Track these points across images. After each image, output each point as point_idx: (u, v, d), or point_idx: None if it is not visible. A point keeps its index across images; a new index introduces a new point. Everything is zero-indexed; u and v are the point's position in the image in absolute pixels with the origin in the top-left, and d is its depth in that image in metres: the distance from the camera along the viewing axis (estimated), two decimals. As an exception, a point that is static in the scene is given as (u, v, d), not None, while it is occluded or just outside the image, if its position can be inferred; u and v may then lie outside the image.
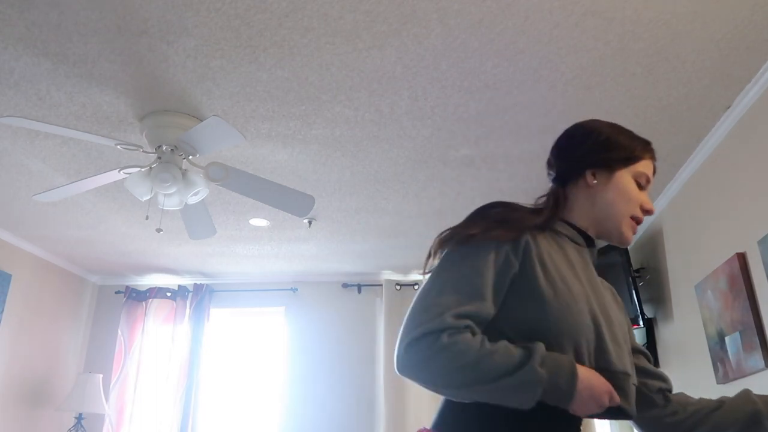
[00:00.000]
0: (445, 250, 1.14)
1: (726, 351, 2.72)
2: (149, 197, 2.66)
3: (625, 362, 1.15)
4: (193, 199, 2.77)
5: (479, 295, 1.06)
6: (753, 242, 2.47)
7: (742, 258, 2.57)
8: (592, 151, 1.28)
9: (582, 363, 1.06)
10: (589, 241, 1.27)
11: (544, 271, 1.11)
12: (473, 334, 1.03)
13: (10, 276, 4.16)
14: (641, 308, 3.58)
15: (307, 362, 4.89)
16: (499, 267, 1.09)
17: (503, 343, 1.02)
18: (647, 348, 3.76)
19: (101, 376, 4.51)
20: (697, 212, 3.08)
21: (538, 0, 1.98)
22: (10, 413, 4.17)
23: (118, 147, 2.62)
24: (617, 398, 1.06)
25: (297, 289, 5.06)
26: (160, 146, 2.64)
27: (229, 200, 3.55)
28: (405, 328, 1.04)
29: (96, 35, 2.15)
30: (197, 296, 4.98)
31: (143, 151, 2.66)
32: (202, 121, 2.56)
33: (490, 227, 1.12)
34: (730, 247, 2.67)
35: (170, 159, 2.62)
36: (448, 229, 1.15)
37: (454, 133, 2.79)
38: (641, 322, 3.57)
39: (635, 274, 3.71)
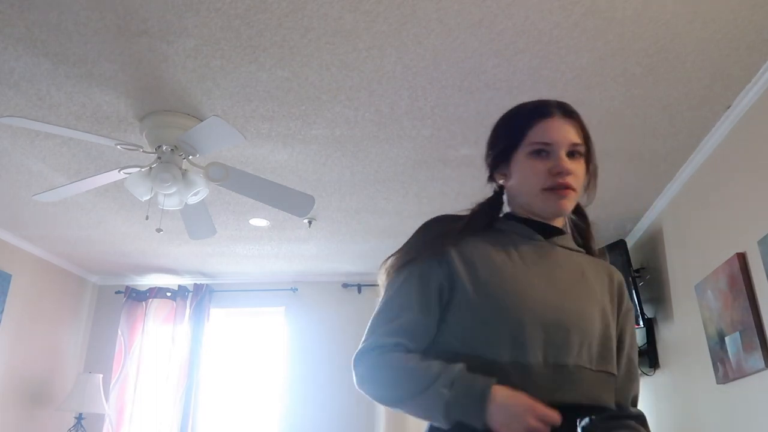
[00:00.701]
0: (387, 278, 1.23)
1: (726, 351, 2.72)
2: (149, 197, 2.66)
3: (583, 354, 1.10)
4: (193, 199, 2.77)
5: (409, 311, 1.14)
6: (753, 242, 2.47)
7: (742, 258, 2.57)
8: (488, 154, 1.29)
9: (527, 360, 1.06)
10: (551, 230, 1.23)
11: (474, 278, 1.14)
12: (407, 351, 1.11)
13: (10, 276, 4.16)
14: (641, 308, 3.58)
15: (307, 362, 4.89)
16: (426, 287, 1.15)
17: (431, 363, 1.07)
18: (647, 348, 3.77)
19: (101, 376, 4.51)
20: (697, 212, 3.08)
21: (538, 0, 1.98)
22: (10, 413, 4.17)
23: (118, 147, 2.62)
24: (551, 415, 0.99)
25: (297, 289, 5.06)
26: (160, 146, 2.64)
27: (229, 200, 3.55)
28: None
29: (96, 35, 2.15)
30: (197, 296, 4.98)
31: (143, 151, 2.66)
32: (202, 121, 2.56)
33: (418, 251, 1.19)
34: (730, 247, 2.66)
35: (170, 159, 2.62)
36: (388, 257, 1.24)
37: (454, 133, 2.79)
38: (641, 322, 3.57)
39: (635, 274, 3.71)
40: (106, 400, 4.56)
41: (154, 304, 4.99)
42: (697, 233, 3.07)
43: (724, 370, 2.75)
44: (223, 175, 2.66)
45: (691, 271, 3.15)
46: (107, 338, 4.99)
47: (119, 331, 4.90)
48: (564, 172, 1.17)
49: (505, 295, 1.11)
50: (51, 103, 2.56)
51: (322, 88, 2.45)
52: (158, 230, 3.00)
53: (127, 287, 5.06)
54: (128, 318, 4.93)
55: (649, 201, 3.56)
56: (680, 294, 3.35)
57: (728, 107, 2.57)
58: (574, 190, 1.19)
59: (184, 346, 4.83)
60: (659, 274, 3.64)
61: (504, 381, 1.03)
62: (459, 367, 1.05)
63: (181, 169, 2.65)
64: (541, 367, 1.07)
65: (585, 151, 1.24)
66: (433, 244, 1.19)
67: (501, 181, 1.26)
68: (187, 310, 4.97)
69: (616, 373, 1.16)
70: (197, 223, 3.17)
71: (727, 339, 2.70)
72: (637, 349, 1.30)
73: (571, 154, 1.20)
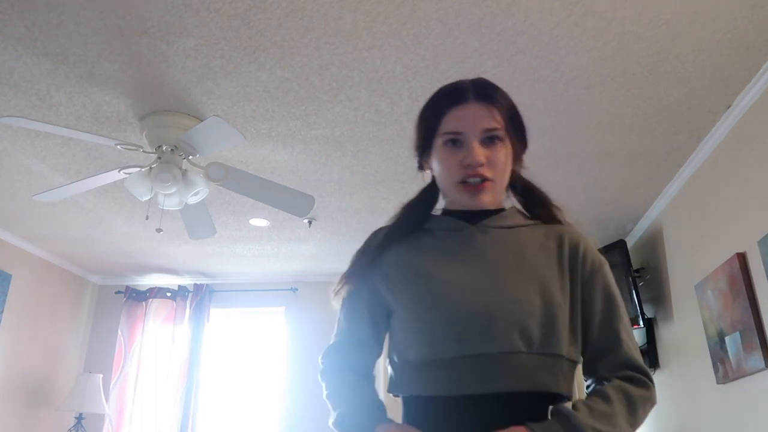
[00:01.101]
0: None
1: (726, 351, 2.72)
2: (149, 197, 2.66)
3: (514, 339, 1.03)
4: (193, 199, 2.77)
5: (342, 335, 1.26)
6: (753, 242, 2.47)
7: (742, 258, 2.57)
8: (413, 143, 1.23)
9: (441, 356, 1.05)
10: (479, 215, 1.16)
11: (394, 290, 1.15)
12: (333, 371, 1.24)
13: (10, 276, 4.16)
14: (641, 308, 3.58)
15: (306, 362, 4.88)
16: (354, 311, 1.23)
17: (339, 396, 1.22)
18: (647, 348, 3.77)
19: (101, 376, 4.51)
20: (697, 212, 3.08)
21: (538, 0, 1.98)
22: (10, 413, 4.17)
23: (118, 147, 2.62)
24: None
25: (297, 289, 5.06)
26: (160, 146, 2.64)
27: (229, 200, 3.55)
28: None
29: (96, 35, 2.15)
30: (197, 296, 4.98)
31: (143, 151, 2.66)
32: (202, 121, 2.56)
33: (348, 277, 1.24)
34: (730, 247, 2.66)
35: (170, 159, 2.62)
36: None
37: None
38: (641, 322, 3.57)
39: (635, 274, 3.71)
40: (106, 400, 4.56)
41: (154, 304, 4.99)
42: (697, 233, 3.07)
43: (724, 370, 2.75)
44: (223, 175, 2.66)
45: (691, 271, 3.15)
46: (107, 338, 4.99)
47: (119, 331, 4.90)
48: (475, 164, 1.09)
49: (419, 299, 1.10)
50: (51, 103, 2.56)
51: (322, 88, 2.45)
52: (158, 230, 3.00)
53: (127, 287, 5.06)
54: (128, 318, 4.93)
55: (649, 201, 3.56)
56: (680, 294, 3.35)
57: (728, 107, 2.57)
58: (490, 180, 1.11)
59: (184, 346, 4.83)
60: (659, 274, 3.64)
61: (425, 380, 1.06)
62: (347, 407, 1.16)
63: (181, 169, 2.65)
64: (458, 360, 1.03)
65: (508, 131, 1.15)
66: (357, 270, 1.22)
67: (428, 171, 1.21)
68: (187, 310, 4.97)
69: (564, 353, 1.05)
70: (197, 223, 3.17)
71: (727, 339, 2.70)
72: (622, 313, 1.12)
73: (489, 140, 1.12)
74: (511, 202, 1.26)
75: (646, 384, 1.07)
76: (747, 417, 2.62)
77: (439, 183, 1.18)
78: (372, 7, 2.00)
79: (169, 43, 2.19)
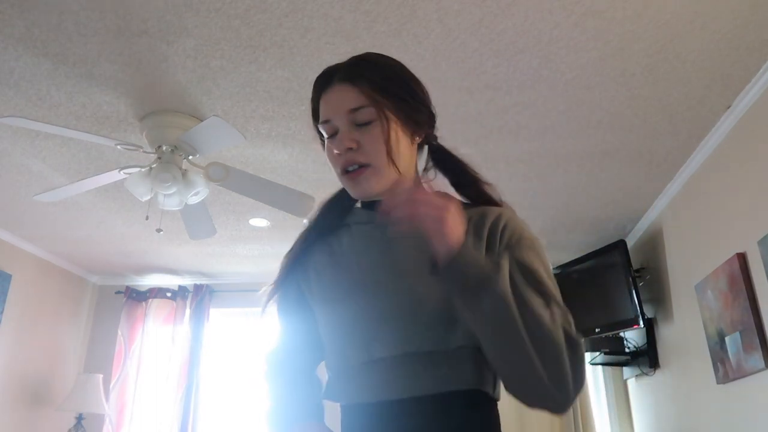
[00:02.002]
0: None
1: (726, 351, 2.72)
2: (149, 197, 2.66)
3: (414, 340, 0.96)
4: (193, 200, 2.77)
5: (281, 339, 1.19)
6: (753, 242, 2.47)
7: (742, 258, 2.57)
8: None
9: (349, 362, 1.01)
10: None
11: (312, 294, 1.12)
12: (274, 370, 1.15)
13: (10, 276, 4.16)
14: (641, 308, 3.58)
15: (307, 362, 4.89)
16: (291, 315, 1.18)
17: (275, 401, 1.12)
18: (647, 348, 3.77)
19: (101, 376, 4.51)
20: (697, 212, 3.08)
21: (538, 0, 1.97)
22: (10, 413, 4.17)
23: (118, 147, 2.62)
24: None
25: (297, 289, 5.06)
26: (160, 146, 2.64)
27: (229, 200, 3.55)
28: None
29: (96, 36, 2.15)
30: (197, 296, 4.98)
31: (143, 151, 2.66)
32: (202, 121, 2.56)
33: (274, 284, 1.20)
34: (730, 247, 2.67)
35: (170, 159, 2.62)
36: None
37: (454, 133, 2.79)
38: (641, 322, 3.57)
39: (635, 274, 3.71)
40: (106, 400, 4.55)
41: (154, 304, 4.99)
42: (697, 233, 3.08)
43: (724, 370, 2.75)
44: (223, 175, 2.66)
45: (691, 271, 3.15)
46: (107, 338, 4.99)
47: (119, 331, 4.90)
48: (342, 152, 1.01)
49: (326, 304, 1.06)
50: (51, 103, 2.56)
51: (322, 88, 2.45)
52: (158, 230, 3.00)
53: (127, 287, 5.06)
54: (128, 318, 4.93)
55: (649, 201, 3.56)
56: (680, 294, 3.35)
57: (728, 107, 2.57)
58: (367, 165, 1.00)
59: (184, 347, 4.83)
60: (659, 274, 3.64)
61: (341, 387, 1.04)
62: (279, 402, 1.09)
63: (181, 169, 2.65)
64: (361, 366, 0.99)
65: (381, 105, 1.01)
66: (281, 275, 1.18)
67: None
68: (187, 311, 4.97)
69: (468, 344, 0.95)
70: (197, 223, 3.17)
71: (727, 339, 2.70)
72: (540, 277, 0.95)
73: (361, 123, 1.01)
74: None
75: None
76: (747, 417, 2.62)
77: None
78: (372, 7, 2.00)
79: (169, 43, 2.19)
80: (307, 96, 2.63)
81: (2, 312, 4.07)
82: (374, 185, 1.02)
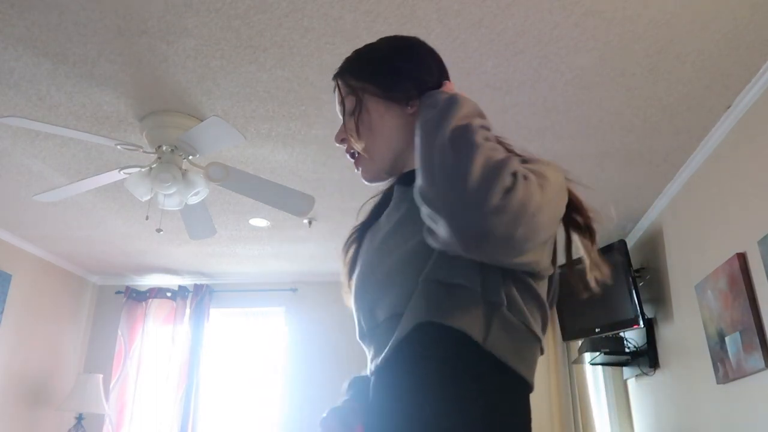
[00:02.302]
0: None
1: (726, 351, 2.72)
2: (149, 197, 2.66)
3: (370, 315, 0.95)
4: (193, 199, 2.77)
5: None
6: (753, 242, 2.47)
7: (742, 258, 2.57)
8: None
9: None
10: (400, 180, 1.08)
11: None
12: None
13: (10, 276, 4.16)
14: (641, 308, 3.58)
15: (307, 362, 4.89)
16: None
17: None
18: (647, 348, 3.77)
19: (101, 376, 4.51)
20: (697, 212, 3.08)
21: (538, 0, 1.98)
22: (10, 413, 4.17)
23: (118, 147, 2.62)
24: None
25: (297, 289, 5.06)
26: (160, 146, 2.64)
27: (229, 200, 3.55)
28: None
29: (96, 35, 2.15)
30: (197, 296, 4.98)
31: (143, 151, 2.66)
32: (202, 121, 2.56)
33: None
34: (730, 247, 2.67)
35: (170, 159, 2.62)
36: None
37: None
38: (641, 322, 3.57)
39: (635, 274, 3.71)
40: (106, 400, 4.56)
41: (154, 304, 4.99)
42: (697, 233, 3.08)
43: (724, 370, 2.75)
44: (223, 175, 2.66)
45: (691, 271, 3.15)
46: (107, 338, 5.00)
47: (119, 331, 4.90)
48: (337, 142, 1.09)
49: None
50: (51, 103, 2.56)
51: (322, 88, 2.45)
52: (158, 230, 3.00)
53: (127, 287, 5.06)
54: (128, 318, 4.93)
55: (649, 201, 3.56)
56: (680, 294, 3.35)
57: (728, 107, 2.57)
58: (358, 154, 1.05)
59: (184, 347, 4.83)
60: (659, 274, 3.64)
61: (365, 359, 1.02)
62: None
63: (181, 169, 2.65)
64: (370, 331, 0.99)
65: (358, 90, 1.04)
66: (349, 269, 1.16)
67: None
68: (187, 311, 4.97)
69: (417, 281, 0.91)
70: (197, 223, 3.17)
71: (727, 339, 2.70)
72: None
73: (350, 114, 1.04)
74: None
75: None
76: (747, 417, 2.62)
77: None
78: (372, 7, 2.00)
79: (169, 43, 2.19)
80: (307, 96, 2.63)
81: (2, 312, 4.07)
82: (370, 172, 1.06)
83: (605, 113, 2.62)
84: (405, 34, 2.16)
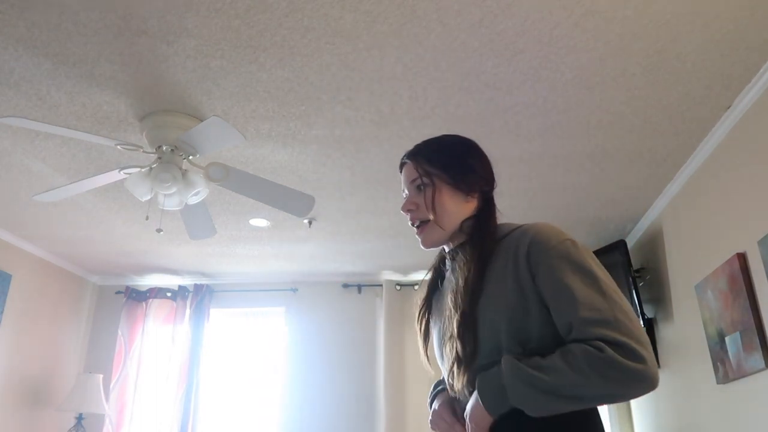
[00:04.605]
0: None
1: (726, 351, 2.72)
2: (149, 197, 2.66)
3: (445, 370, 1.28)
4: (193, 200, 2.77)
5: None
6: (753, 242, 2.47)
7: (742, 258, 2.57)
8: None
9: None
10: (454, 252, 1.34)
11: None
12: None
13: (10, 276, 4.16)
14: (641, 308, 3.58)
15: (307, 362, 4.89)
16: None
17: None
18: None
19: (101, 376, 4.51)
20: (697, 212, 3.08)
21: (538, 0, 1.98)
22: (10, 413, 4.17)
23: (118, 147, 2.62)
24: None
25: (297, 290, 5.06)
26: (160, 146, 2.64)
27: (229, 200, 3.55)
28: None
29: (96, 35, 2.15)
30: (197, 296, 4.98)
31: (143, 151, 2.66)
32: (202, 121, 2.56)
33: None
34: (730, 247, 2.67)
35: (170, 159, 2.62)
36: None
37: (454, 133, 2.79)
38: (641, 322, 3.57)
39: (635, 274, 3.71)
40: (106, 400, 4.56)
41: (154, 304, 4.99)
42: (697, 233, 3.07)
43: (724, 370, 2.75)
44: (223, 175, 2.66)
45: (691, 271, 3.15)
46: (107, 338, 5.00)
47: (119, 331, 4.90)
48: (404, 212, 1.35)
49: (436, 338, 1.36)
50: (51, 103, 2.56)
51: (322, 88, 2.45)
52: (158, 230, 2.99)
53: (127, 287, 5.06)
54: (128, 318, 4.93)
55: (649, 201, 3.56)
56: (680, 294, 3.35)
57: (728, 107, 2.57)
58: (423, 222, 1.32)
59: (184, 347, 4.83)
60: (659, 274, 3.64)
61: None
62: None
63: (181, 169, 2.65)
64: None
65: (431, 175, 1.31)
66: (423, 332, 1.42)
67: None
68: (187, 311, 4.97)
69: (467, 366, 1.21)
70: (197, 223, 3.17)
71: (727, 339, 2.70)
72: (576, 295, 1.09)
73: (418, 189, 1.33)
74: None
75: (601, 347, 1.01)
76: (747, 417, 2.62)
77: None
78: (372, 7, 2.00)
79: (169, 43, 2.19)
80: (307, 96, 2.63)
81: (2, 312, 4.07)
82: (434, 237, 1.31)
83: (605, 113, 2.62)
84: (404, 35, 2.17)
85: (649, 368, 1.00)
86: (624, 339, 1.01)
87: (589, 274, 1.11)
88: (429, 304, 1.38)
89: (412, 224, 1.34)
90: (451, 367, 1.19)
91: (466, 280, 1.20)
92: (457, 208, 1.30)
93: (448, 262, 1.35)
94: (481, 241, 1.24)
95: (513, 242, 1.20)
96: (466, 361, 1.15)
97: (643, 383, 1.00)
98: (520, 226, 1.24)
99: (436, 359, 1.34)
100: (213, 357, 4.95)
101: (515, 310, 1.13)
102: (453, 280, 1.25)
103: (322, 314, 4.99)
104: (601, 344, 1.01)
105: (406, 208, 1.33)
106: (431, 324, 1.36)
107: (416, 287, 4.89)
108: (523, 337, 1.12)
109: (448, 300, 1.23)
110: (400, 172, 1.40)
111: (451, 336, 1.18)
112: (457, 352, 1.16)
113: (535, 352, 1.09)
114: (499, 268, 1.19)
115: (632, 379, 0.99)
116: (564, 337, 1.09)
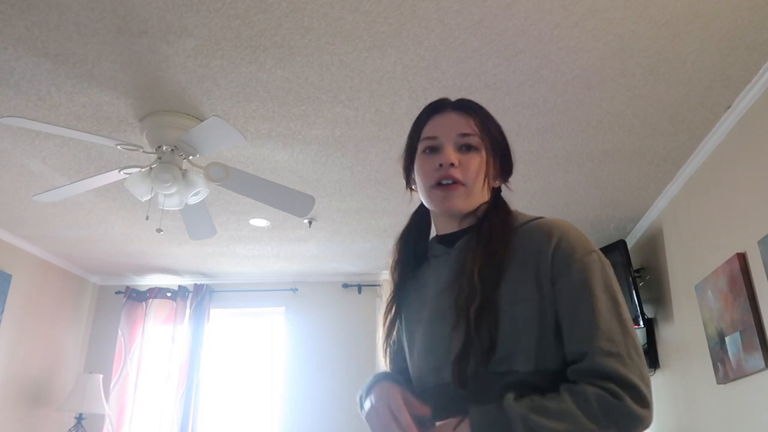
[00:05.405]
0: None
1: (726, 351, 2.72)
2: (149, 197, 2.66)
3: (439, 372, 1.07)
4: (193, 200, 2.77)
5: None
6: (753, 242, 2.47)
7: (742, 258, 2.57)
8: (402, 167, 1.26)
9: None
10: (455, 237, 1.16)
11: (402, 330, 1.24)
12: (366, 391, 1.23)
13: (10, 276, 4.16)
14: (641, 308, 3.58)
15: (306, 362, 4.89)
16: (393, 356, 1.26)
17: None
18: (647, 348, 3.77)
19: (101, 376, 4.51)
20: (697, 212, 3.08)
21: (538, 0, 1.98)
22: (10, 413, 4.17)
23: (118, 147, 2.62)
24: (406, 413, 1.00)
25: (297, 289, 5.06)
26: (160, 146, 2.64)
27: (229, 200, 3.55)
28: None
29: (96, 36, 2.15)
30: (197, 296, 4.98)
31: (143, 152, 2.66)
32: (202, 121, 2.56)
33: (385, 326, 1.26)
34: (730, 247, 2.66)
35: (170, 159, 2.62)
36: None
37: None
38: (641, 322, 3.57)
39: (635, 274, 3.71)
40: (106, 400, 4.55)
41: (154, 304, 4.99)
42: (697, 233, 3.07)
43: (724, 370, 2.75)
44: (223, 175, 2.66)
45: (691, 271, 3.15)
46: (107, 338, 4.99)
47: (119, 331, 4.90)
48: (445, 164, 1.11)
49: (408, 334, 1.20)
50: (51, 103, 2.56)
51: (322, 88, 2.45)
52: (158, 230, 3.00)
53: (127, 287, 5.06)
54: (128, 318, 4.93)
55: (649, 201, 3.56)
56: (680, 294, 3.35)
57: (728, 107, 2.57)
58: (462, 184, 1.11)
59: (184, 347, 4.83)
60: (659, 274, 3.64)
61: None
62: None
63: (181, 169, 2.65)
64: (434, 388, 1.10)
65: (485, 145, 1.14)
66: (389, 327, 1.24)
67: (414, 187, 1.23)
68: (187, 311, 4.97)
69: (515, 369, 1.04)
70: (197, 223, 3.17)
71: (727, 339, 2.70)
72: (586, 308, 1.01)
73: (466, 148, 1.13)
74: None
75: (616, 393, 0.94)
76: (747, 417, 2.62)
77: (420, 196, 1.20)
78: (372, 7, 2.00)
79: (169, 43, 2.19)
80: (307, 96, 2.63)
81: (2, 312, 4.07)
82: (462, 203, 1.12)
83: (605, 113, 2.62)
84: (404, 35, 2.18)
85: (651, 413, 0.96)
86: (636, 381, 0.95)
87: (612, 298, 1.02)
88: (401, 296, 1.21)
89: (441, 180, 1.11)
90: (458, 356, 1.02)
91: (484, 262, 1.05)
92: (485, 187, 1.15)
93: (437, 249, 1.18)
94: (502, 224, 1.11)
95: (533, 234, 1.08)
96: (481, 352, 0.99)
97: (644, 428, 0.97)
98: (536, 218, 1.12)
99: (406, 355, 1.19)
100: (213, 357, 4.95)
101: (539, 310, 1.01)
102: (457, 265, 1.09)
103: (322, 314, 4.99)
104: (615, 388, 0.94)
105: (451, 161, 1.10)
106: (402, 318, 1.20)
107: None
108: (543, 348, 1.01)
109: (456, 284, 1.06)
110: (434, 113, 1.19)
111: (464, 323, 1.02)
112: (469, 340, 1.01)
113: (539, 372, 0.99)
114: (518, 259, 1.05)
115: (637, 425, 0.95)
116: (571, 360, 0.99)
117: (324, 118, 2.66)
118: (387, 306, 1.24)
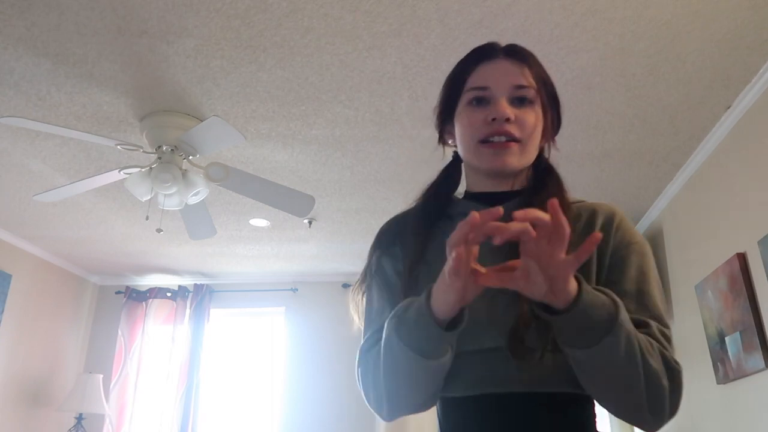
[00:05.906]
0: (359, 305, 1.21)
1: (726, 351, 2.72)
2: (149, 197, 2.66)
3: (487, 336, 0.91)
4: (193, 200, 2.77)
5: (375, 325, 1.07)
6: (753, 242, 2.47)
7: (742, 258, 2.57)
8: (435, 111, 1.11)
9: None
10: (495, 197, 1.01)
11: (414, 288, 1.01)
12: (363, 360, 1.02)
13: (10, 276, 4.16)
14: (641, 308, 3.57)
15: (306, 362, 4.89)
16: (387, 299, 1.07)
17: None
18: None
19: (101, 376, 4.51)
20: (697, 212, 3.08)
21: (538, 0, 1.98)
22: (10, 413, 4.17)
23: (118, 147, 2.62)
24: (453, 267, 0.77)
25: (297, 290, 5.06)
26: (160, 146, 2.64)
27: (229, 200, 3.55)
28: None
29: (96, 36, 2.15)
30: (197, 296, 4.98)
31: (143, 152, 2.66)
32: (202, 121, 2.56)
33: (367, 273, 1.14)
34: (730, 247, 2.66)
35: (170, 159, 2.62)
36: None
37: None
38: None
39: (635, 274, 3.71)
40: (106, 400, 4.55)
41: (154, 304, 4.99)
42: (697, 233, 3.07)
43: (724, 370, 2.75)
44: (223, 175, 2.66)
45: (691, 271, 3.15)
46: (107, 338, 4.99)
47: (119, 331, 4.90)
48: (501, 118, 0.97)
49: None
50: (51, 103, 2.56)
51: (322, 88, 2.45)
52: (158, 230, 3.00)
53: (127, 287, 5.06)
54: (128, 318, 4.93)
55: (649, 201, 3.56)
56: (680, 294, 3.35)
57: (728, 107, 2.57)
58: (517, 141, 0.98)
59: (184, 347, 4.83)
60: (659, 274, 3.64)
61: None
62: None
63: (181, 169, 2.65)
64: (471, 354, 0.95)
65: (541, 98, 1.04)
66: (379, 264, 1.10)
67: (450, 142, 1.09)
68: (187, 311, 4.97)
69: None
70: (197, 223, 3.17)
71: (727, 339, 2.70)
72: (649, 290, 1.00)
73: (519, 101, 1.00)
74: None
75: (678, 366, 0.95)
76: (747, 417, 2.62)
77: (461, 150, 1.05)
78: (372, 7, 2.00)
79: (169, 43, 2.19)
80: (307, 96, 2.62)
81: (2, 312, 4.07)
82: (515, 161, 0.99)
83: (605, 113, 2.62)
84: (404, 35, 2.17)
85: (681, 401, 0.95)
86: (680, 367, 0.94)
87: (659, 285, 1.01)
88: (420, 250, 1.03)
89: (491, 136, 0.98)
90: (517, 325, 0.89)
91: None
92: (538, 147, 1.05)
93: (467, 207, 0.97)
94: (561, 190, 1.03)
95: (584, 211, 1.03)
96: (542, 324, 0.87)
97: (675, 407, 0.94)
98: (581, 200, 1.07)
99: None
100: (213, 357, 4.95)
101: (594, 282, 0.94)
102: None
103: (322, 314, 4.99)
104: (677, 364, 0.93)
105: (507, 115, 0.97)
106: (418, 273, 1.00)
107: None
108: None
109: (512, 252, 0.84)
110: (483, 60, 1.06)
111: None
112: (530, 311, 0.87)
113: None
114: (578, 227, 0.98)
115: (677, 402, 0.93)
116: None
117: (324, 118, 2.66)
118: (410, 259, 1.04)
